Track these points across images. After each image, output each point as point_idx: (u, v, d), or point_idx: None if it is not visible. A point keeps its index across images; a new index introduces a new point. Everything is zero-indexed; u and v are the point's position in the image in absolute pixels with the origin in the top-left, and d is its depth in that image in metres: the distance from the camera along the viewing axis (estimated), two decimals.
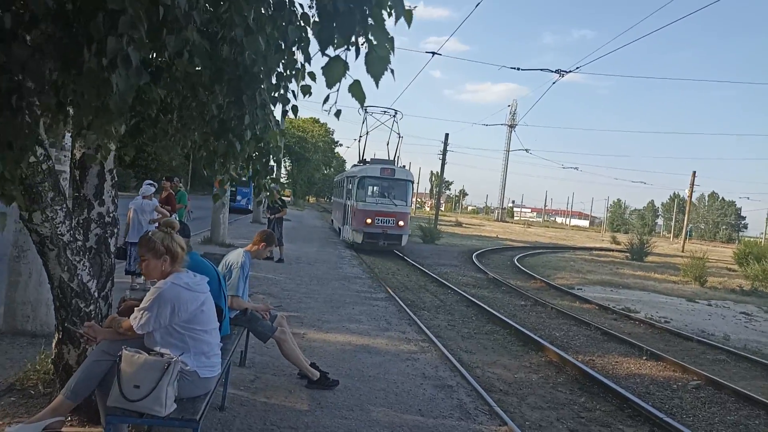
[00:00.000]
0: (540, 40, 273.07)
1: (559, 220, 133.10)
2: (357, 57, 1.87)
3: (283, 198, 14.53)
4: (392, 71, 1.86)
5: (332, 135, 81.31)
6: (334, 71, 1.78)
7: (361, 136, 24.91)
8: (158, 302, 2.94)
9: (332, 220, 30.33)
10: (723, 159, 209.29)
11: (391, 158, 22.89)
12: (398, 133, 26.64)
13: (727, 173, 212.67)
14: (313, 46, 2.43)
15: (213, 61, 2.22)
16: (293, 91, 2.69)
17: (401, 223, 18.99)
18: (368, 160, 23.12)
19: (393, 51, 1.88)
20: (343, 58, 1.85)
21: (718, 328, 11.38)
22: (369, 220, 18.48)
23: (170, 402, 2.80)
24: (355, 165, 24.47)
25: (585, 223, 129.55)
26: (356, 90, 1.82)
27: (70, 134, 3.82)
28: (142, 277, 8.46)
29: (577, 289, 15.41)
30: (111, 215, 3.93)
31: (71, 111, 2.18)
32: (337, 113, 2.01)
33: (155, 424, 2.89)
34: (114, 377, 2.83)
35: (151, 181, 9.09)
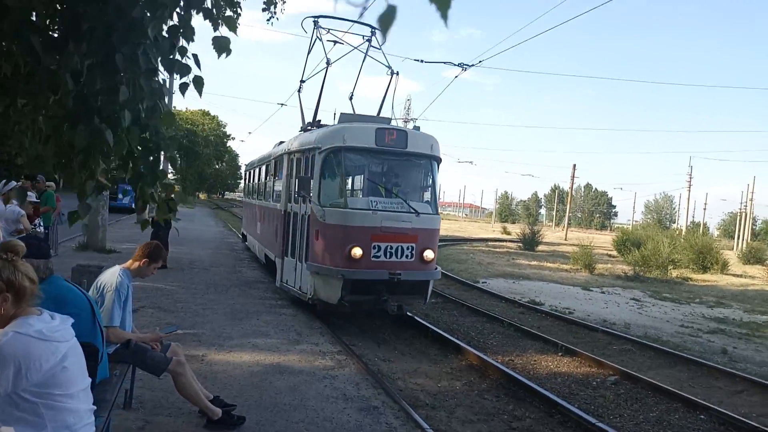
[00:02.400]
0: (430, 38, 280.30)
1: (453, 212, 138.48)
2: None
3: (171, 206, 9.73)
4: None
5: (224, 128, 77.84)
6: None
7: (303, 81, 12.15)
8: None
9: (243, 235, 18.21)
10: (598, 153, 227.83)
11: (378, 115, 10.60)
12: (389, 67, 10.90)
13: (602, 166, 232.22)
14: None
15: None
16: (194, 55, 1.74)
17: (428, 254, 8.41)
18: (323, 122, 10.54)
19: None
20: None
21: (617, 316, 11.83)
22: (358, 251, 7.97)
23: None
24: (299, 132, 11.00)
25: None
26: None
27: None
28: None
29: (482, 282, 15.50)
30: None
31: None
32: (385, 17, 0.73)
33: None
34: None
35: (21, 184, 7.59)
